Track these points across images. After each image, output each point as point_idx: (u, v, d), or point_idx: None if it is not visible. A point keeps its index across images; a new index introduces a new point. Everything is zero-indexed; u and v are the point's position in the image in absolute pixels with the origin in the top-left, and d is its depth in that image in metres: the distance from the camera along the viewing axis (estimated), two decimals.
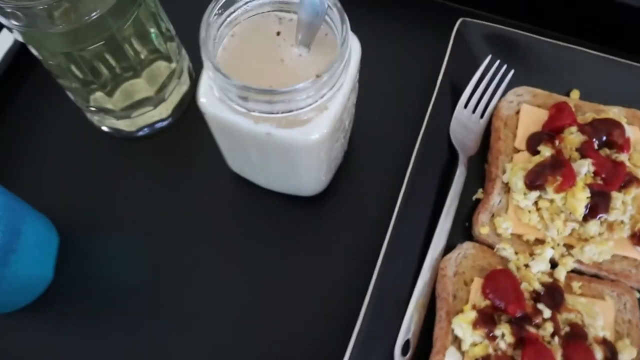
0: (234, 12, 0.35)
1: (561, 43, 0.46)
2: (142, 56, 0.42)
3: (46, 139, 0.49)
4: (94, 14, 0.35)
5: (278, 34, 0.37)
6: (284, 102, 0.32)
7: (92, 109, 0.45)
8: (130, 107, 0.44)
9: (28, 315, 0.43)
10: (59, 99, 0.48)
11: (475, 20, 0.46)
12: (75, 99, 0.44)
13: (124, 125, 0.46)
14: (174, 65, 0.45)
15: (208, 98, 0.36)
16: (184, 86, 0.48)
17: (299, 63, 0.36)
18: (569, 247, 0.41)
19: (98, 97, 0.43)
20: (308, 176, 0.41)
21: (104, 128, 0.47)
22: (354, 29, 0.36)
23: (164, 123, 0.48)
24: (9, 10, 0.34)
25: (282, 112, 0.33)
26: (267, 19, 0.37)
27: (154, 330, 0.42)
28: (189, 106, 0.49)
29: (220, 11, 0.34)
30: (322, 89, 0.33)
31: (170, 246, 0.45)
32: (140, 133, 0.47)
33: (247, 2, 0.36)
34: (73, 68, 0.40)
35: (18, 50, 0.49)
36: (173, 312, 0.43)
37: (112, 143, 0.48)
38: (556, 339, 0.37)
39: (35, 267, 0.42)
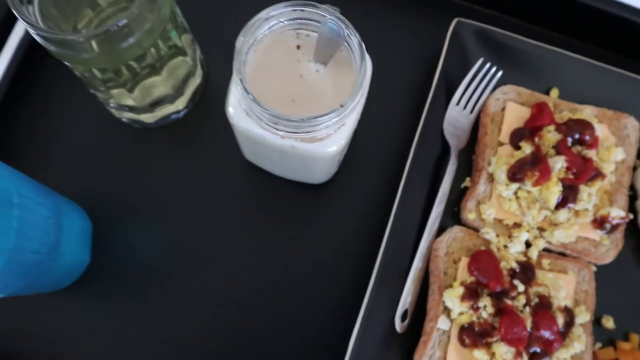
0: (260, 34, 0.39)
1: (545, 45, 0.50)
2: (162, 53, 0.45)
3: (67, 129, 0.52)
4: (130, 39, 0.38)
5: (298, 47, 0.41)
6: (309, 125, 0.37)
7: (113, 105, 0.48)
8: (150, 105, 0.48)
9: (70, 294, 0.48)
10: (78, 90, 0.51)
11: (468, 21, 0.50)
12: (97, 95, 0.47)
13: (144, 117, 0.50)
14: (189, 59, 0.48)
15: (236, 110, 0.40)
16: (197, 79, 0.51)
17: (317, 78, 0.40)
18: (541, 230, 0.48)
19: (118, 94, 0.46)
20: (321, 172, 0.46)
21: (123, 119, 0.51)
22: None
23: (179, 114, 0.51)
24: (48, 37, 0.36)
25: (307, 132, 0.38)
26: (286, 35, 0.41)
27: (176, 304, 0.49)
28: (201, 97, 0.52)
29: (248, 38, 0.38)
30: (343, 113, 0.38)
31: (188, 227, 0.50)
32: (157, 124, 0.51)
33: (271, 26, 0.39)
34: (96, 72, 0.43)
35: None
36: (191, 287, 0.49)
37: (131, 133, 0.52)
38: (527, 308, 0.45)
39: (77, 254, 0.47)
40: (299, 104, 0.40)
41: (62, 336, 0.48)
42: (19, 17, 0.36)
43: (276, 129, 0.38)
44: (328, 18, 0.37)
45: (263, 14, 0.38)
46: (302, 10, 0.38)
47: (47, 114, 0.52)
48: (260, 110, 0.36)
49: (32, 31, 0.36)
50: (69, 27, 0.42)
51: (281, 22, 0.39)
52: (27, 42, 0.52)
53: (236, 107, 0.40)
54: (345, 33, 0.37)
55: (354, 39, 0.37)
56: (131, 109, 0.48)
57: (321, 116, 0.36)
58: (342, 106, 0.36)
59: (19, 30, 0.52)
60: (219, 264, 0.50)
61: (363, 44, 0.37)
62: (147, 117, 0.50)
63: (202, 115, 0.52)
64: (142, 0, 0.36)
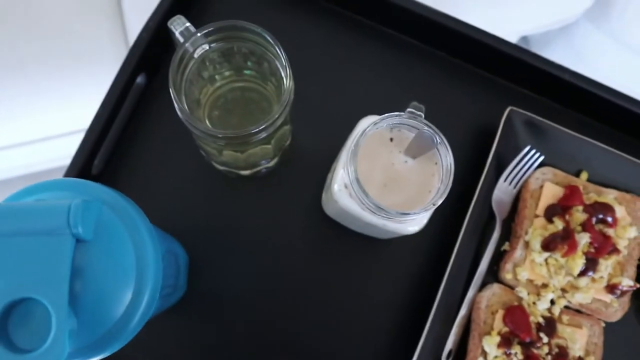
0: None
1: (579, 135, 0.60)
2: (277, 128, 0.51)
3: (170, 171, 0.60)
4: (263, 134, 0.46)
5: (391, 139, 0.50)
6: (404, 215, 0.46)
7: (216, 161, 0.56)
8: (251, 166, 0.56)
9: (170, 316, 0.57)
10: (182, 138, 0.59)
11: (519, 110, 0.60)
12: (205, 150, 0.55)
13: (242, 172, 0.58)
14: (289, 126, 0.56)
15: (340, 189, 0.49)
16: (289, 140, 0.59)
17: (405, 168, 0.49)
18: (564, 291, 0.59)
19: (227, 155, 0.54)
20: (396, 236, 0.55)
21: (221, 169, 0.59)
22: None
23: (270, 168, 0.60)
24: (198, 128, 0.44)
25: (400, 220, 0.47)
26: (383, 129, 0.49)
27: (253, 325, 0.58)
28: (290, 152, 0.61)
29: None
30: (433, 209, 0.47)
31: (266, 263, 0.60)
32: (250, 175, 0.60)
33: (378, 127, 0.48)
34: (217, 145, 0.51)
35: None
36: (266, 312, 0.59)
37: (225, 178, 0.60)
38: (549, 357, 0.56)
39: (183, 285, 0.55)
40: (390, 188, 0.49)
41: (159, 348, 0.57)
42: (187, 124, 0.44)
43: (377, 214, 0.47)
44: (425, 128, 0.46)
45: (378, 121, 0.46)
46: (406, 118, 0.47)
47: (155, 156, 0.61)
48: (366, 199, 0.45)
49: (182, 117, 0.44)
50: (192, 97, 0.50)
51: (384, 125, 0.48)
52: (145, 90, 0.60)
53: (341, 187, 0.49)
54: (438, 142, 0.46)
55: (445, 150, 0.46)
56: (233, 165, 0.56)
57: (414, 212, 0.45)
58: (434, 205, 0.45)
59: (141, 79, 0.60)
60: (287, 295, 0.59)
61: (452, 156, 0.46)
62: (245, 172, 0.58)
63: (288, 168, 0.61)
64: (280, 107, 0.45)
